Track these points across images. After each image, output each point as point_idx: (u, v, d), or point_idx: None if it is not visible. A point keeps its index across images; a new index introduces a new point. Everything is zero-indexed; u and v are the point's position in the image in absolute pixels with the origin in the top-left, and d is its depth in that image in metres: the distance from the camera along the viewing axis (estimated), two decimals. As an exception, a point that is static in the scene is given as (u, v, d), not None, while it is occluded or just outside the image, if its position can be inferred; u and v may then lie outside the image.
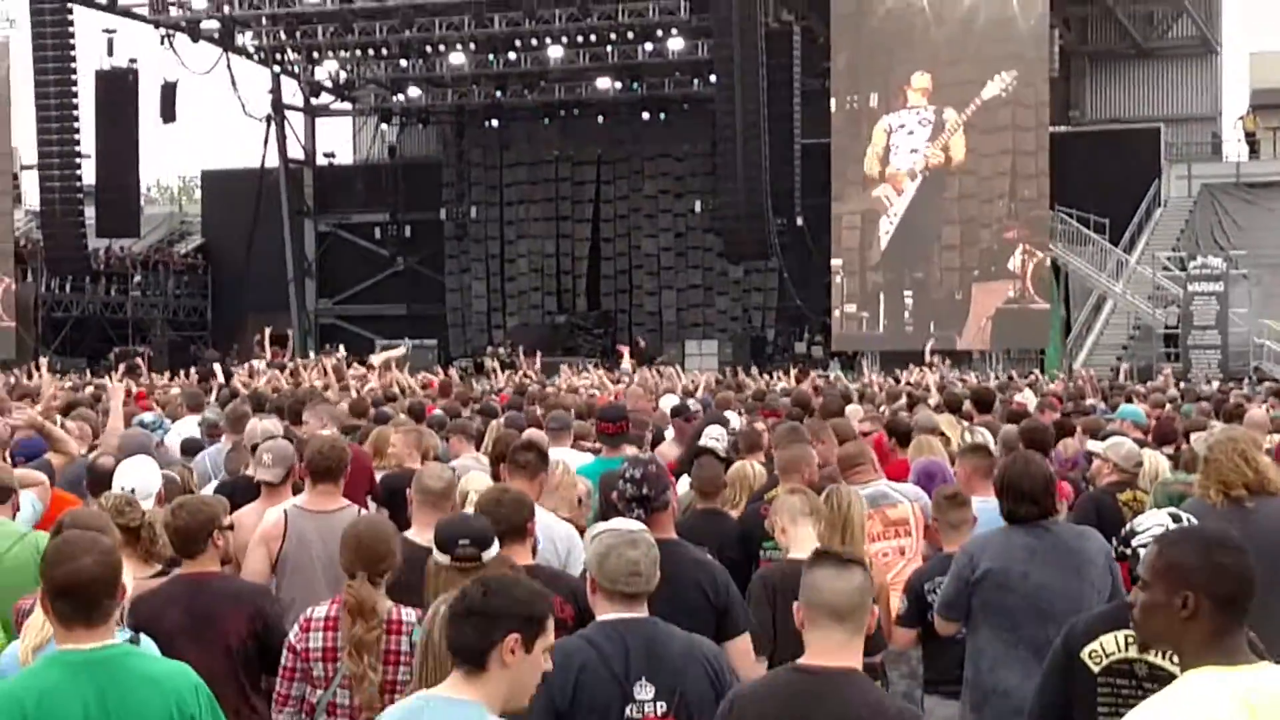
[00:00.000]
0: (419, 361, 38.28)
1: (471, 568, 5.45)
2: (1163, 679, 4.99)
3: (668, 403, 16.00)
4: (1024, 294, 37.90)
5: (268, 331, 33.25)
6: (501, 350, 44.37)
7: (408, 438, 9.93)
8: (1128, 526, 5.60)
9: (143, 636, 4.95)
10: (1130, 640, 5.11)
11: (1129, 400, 17.18)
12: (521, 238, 51.91)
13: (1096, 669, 5.18)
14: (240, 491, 8.72)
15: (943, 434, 11.15)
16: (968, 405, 14.27)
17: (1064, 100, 45.40)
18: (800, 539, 6.75)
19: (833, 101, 39.39)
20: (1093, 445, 10.31)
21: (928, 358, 26.94)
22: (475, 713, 4.07)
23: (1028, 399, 17.27)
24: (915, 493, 8.49)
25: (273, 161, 51.54)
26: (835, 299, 39.57)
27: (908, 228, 38.54)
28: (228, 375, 21.31)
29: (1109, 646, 5.17)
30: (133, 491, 7.24)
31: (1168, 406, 16.56)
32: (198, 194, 63.15)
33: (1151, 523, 5.25)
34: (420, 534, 6.62)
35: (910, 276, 38.65)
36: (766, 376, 30.08)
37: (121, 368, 24.28)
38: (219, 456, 10.82)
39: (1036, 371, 29.08)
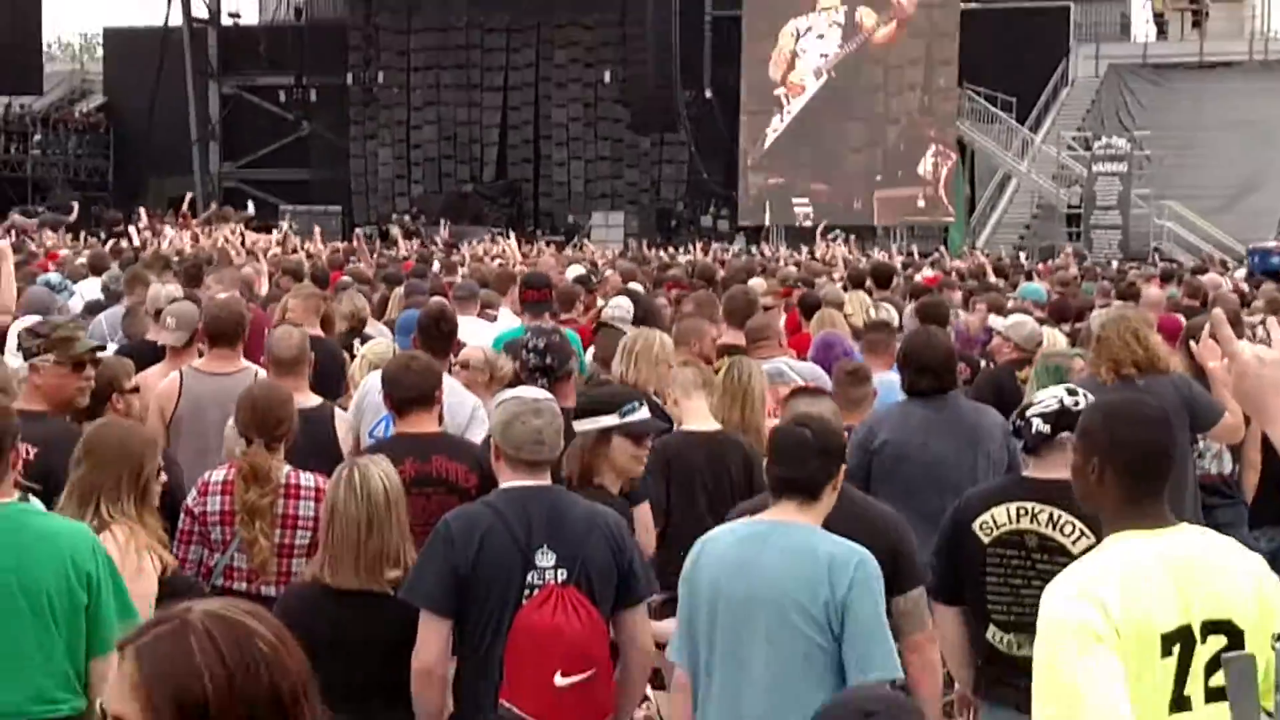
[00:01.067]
0: (326, 227, 37.97)
1: None
2: (1053, 550, 5.14)
3: (573, 273, 16.02)
4: (935, 203, 38.06)
5: (189, 197, 32.89)
6: (407, 218, 44.08)
7: (306, 303, 9.74)
8: (1025, 400, 5.74)
9: (33, 499, 4.93)
10: (1021, 512, 5.25)
11: (1029, 278, 17.40)
12: (429, 104, 51.31)
13: (987, 540, 5.29)
14: (140, 354, 8.66)
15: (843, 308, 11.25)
16: (868, 281, 14.40)
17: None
18: (693, 411, 6.78)
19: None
20: (994, 322, 10.47)
21: (820, 235, 27.11)
22: (815, 534, 4.62)
23: (929, 274, 17.46)
24: (812, 371, 8.54)
25: (176, 20, 50.55)
26: (741, 179, 39.59)
27: (807, 128, 38.49)
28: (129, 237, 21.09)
29: (1000, 518, 5.29)
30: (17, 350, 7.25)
31: (1069, 285, 16.80)
32: (100, 52, 61.82)
33: (1047, 396, 5.36)
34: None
35: (808, 186, 38.76)
36: (672, 249, 30.21)
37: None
38: (118, 319, 10.73)
39: (941, 248, 29.28)
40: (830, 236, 27.49)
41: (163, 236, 23.04)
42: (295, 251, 19.88)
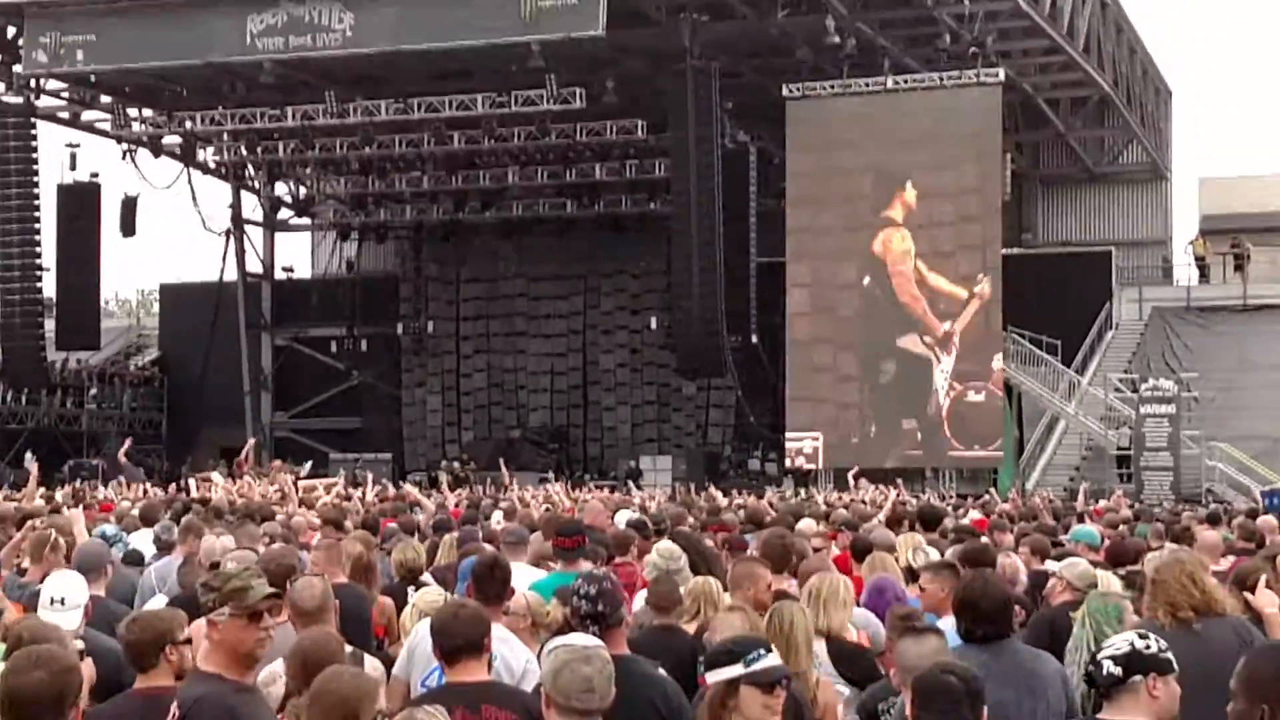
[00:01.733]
0: (376, 474, 38.16)
1: None
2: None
3: (624, 518, 16.01)
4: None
5: (253, 442, 33.30)
6: (456, 464, 44.30)
7: (329, 552, 9.66)
8: (1096, 644, 5.70)
9: None
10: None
11: (1081, 521, 17.28)
12: (478, 353, 51.96)
13: None
14: (193, 605, 8.69)
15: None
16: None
17: (1017, 224, 45.98)
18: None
19: (788, 219, 39.85)
20: (1049, 564, 10.40)
21: (852, 482, 27.06)
22: None
23: (976, 517, 17.38)
24: (864, 618, 8.48)
25: (231, 275, 51.63)
26: (788, 422, 39.71)
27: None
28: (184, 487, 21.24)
29: None
30: (62, 602, 7.27)
31: (1121, 528, 16.67)
32: (155, 307, 63.07)
33: (1118, 640, 5.32)
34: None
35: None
36: (720, 493, 30.18)
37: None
38: (166, 569, 10.77)
39: (991, 490, 29.18)
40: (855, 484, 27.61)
41: (212, 485, 23.21)
42: (347, 499, 19.98)
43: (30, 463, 19.04)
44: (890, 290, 39.09)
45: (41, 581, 8.38)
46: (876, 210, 39.22)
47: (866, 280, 39.34)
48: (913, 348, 38.90)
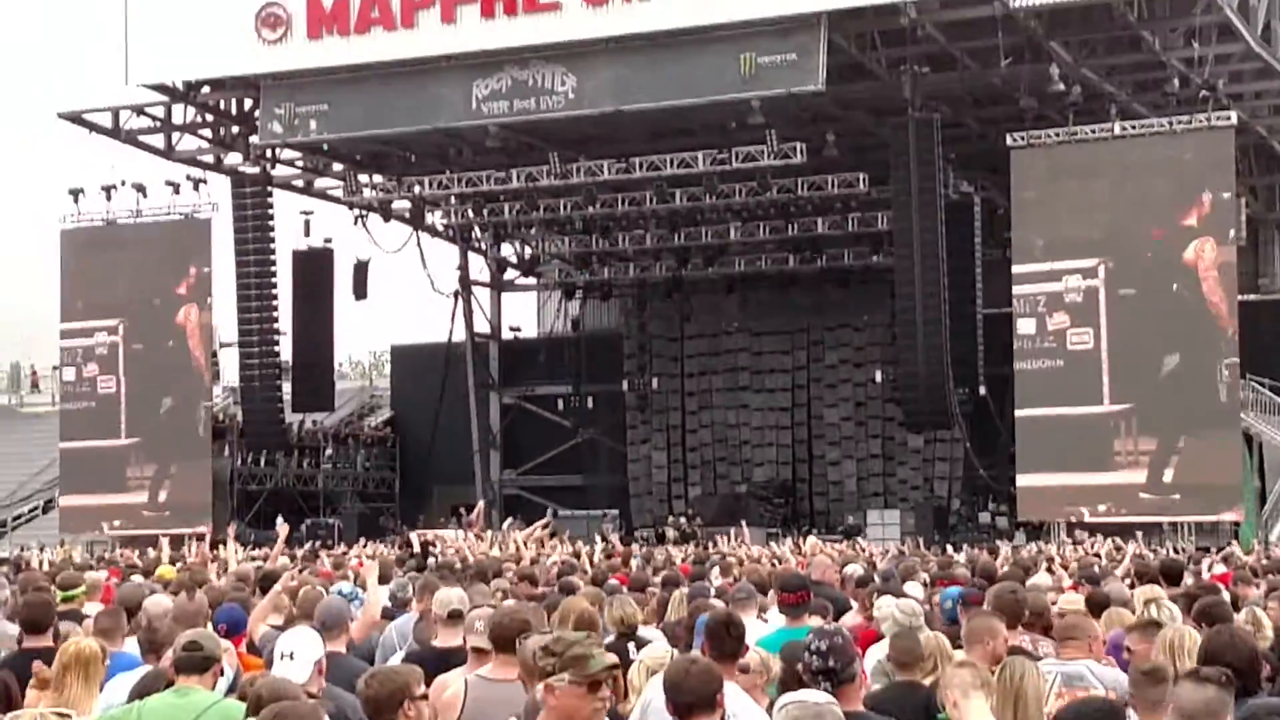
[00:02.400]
0: (600, 531, 38.52)
1: None
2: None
3: (852, 573, 15.92)
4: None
5: (481, 505, 33.92)
6: (683, 520, 44.45)
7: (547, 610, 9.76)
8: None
9: None
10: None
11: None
12: (703, 409, 52.10)
13: None
14: (429, 661, 8.87)
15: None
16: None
17: (1253, 269, 44.76)
18: (971, 712, 6.65)
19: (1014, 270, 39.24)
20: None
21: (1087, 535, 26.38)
22: None
23: (1220, 570, 16.91)
24: (1114, 678, 8.30)
25: (460, 336, 52.61)
26: (1019, 474, 38.97)
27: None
28: (423, 546, 21.66)
29: None
30: (291, 656, 7.45)
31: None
32: (388, 368, 64.55)
33: None
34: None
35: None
36: (951, 548, 29.84)
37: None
38: (405, 625, 10.98)
39: (1233, 542, 28.32)
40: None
41: (442, 541, 23.62)
42: (577, 556, 20.18)
43: (280, 526, 19.55)
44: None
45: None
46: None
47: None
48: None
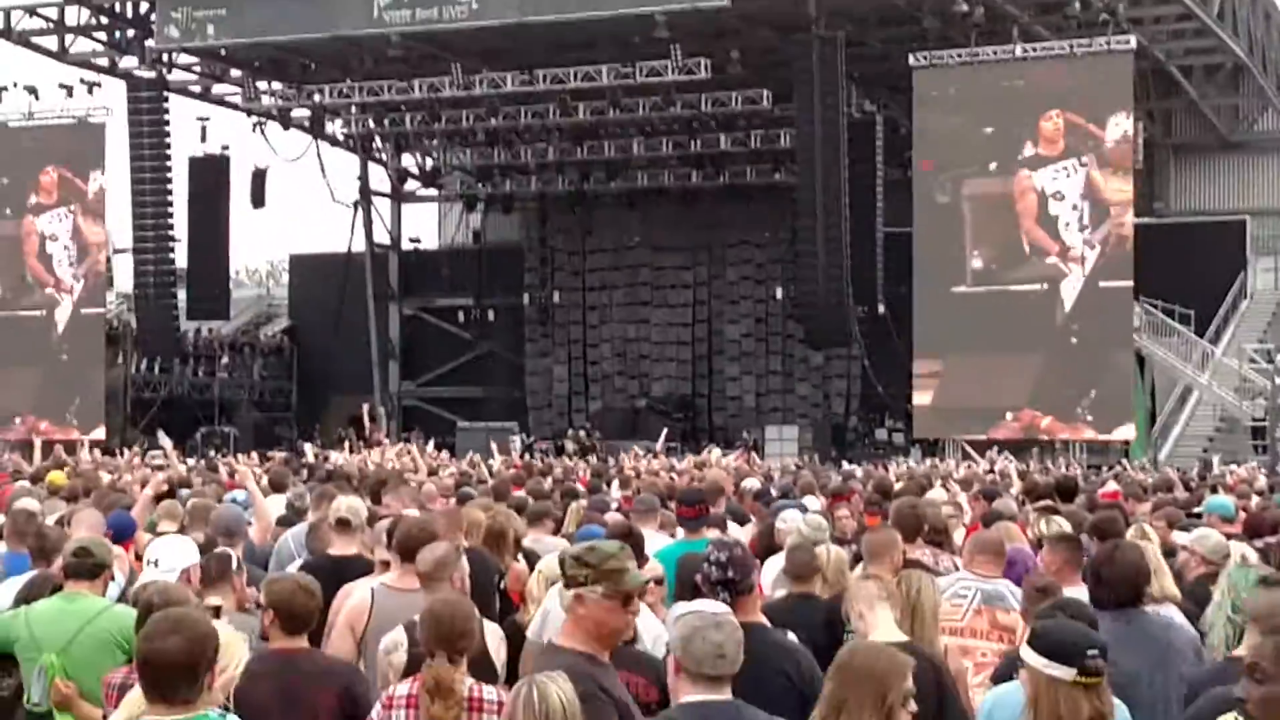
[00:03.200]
0: (501, 443, 38.46)
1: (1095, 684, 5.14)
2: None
3: (750, 487, 16.03)
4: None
5: (366, 409, 33.68)
6: (582, 433, 44.51)
7: (450, 519, 9.63)
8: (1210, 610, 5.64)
9: (230, 715, 4.99)
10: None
11: (1215, 492, 17.00)
12: (604, 323, 52.12)
13: None
14: (325, 569, 8.83)
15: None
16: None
17: (1149, 192, 45.24)
18: (878, 624, 6.72)
19: (914, 186, 39.39)
20: (1178, 537, 10.24)
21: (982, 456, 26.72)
22: None
23: (1111, 488, 17.15)
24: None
25: (359, 246, 52.18)
26: (916, 393, 39.29)
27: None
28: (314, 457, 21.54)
29: None
30: (155, 564, 7.45)
31: (1256, 499, 16.39)
32: (285, 278, 63.96)
33: None
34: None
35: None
36: (846, 464, 30.11)
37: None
38: (300, 534, 10.93)
39: (1124, 461, 28.79)
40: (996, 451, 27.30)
41: (325, 456, 23.50)
42: (474, 466, 20.16)
43: (163, 439, 19.42)
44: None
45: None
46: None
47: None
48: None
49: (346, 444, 30.71)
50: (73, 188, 44.78)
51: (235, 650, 5.64)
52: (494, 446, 25.12)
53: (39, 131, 45.00)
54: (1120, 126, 37.44)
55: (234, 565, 7.55)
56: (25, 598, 7.37)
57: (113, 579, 7.51)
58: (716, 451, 27.14)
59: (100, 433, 42.49)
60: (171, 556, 7.70)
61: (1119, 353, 37.27)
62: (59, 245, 45.08)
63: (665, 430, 35.78)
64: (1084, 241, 37.58)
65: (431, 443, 33.50)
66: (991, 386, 37.56)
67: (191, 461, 25.74)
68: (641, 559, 7.72)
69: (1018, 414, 37.46)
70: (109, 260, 47.48)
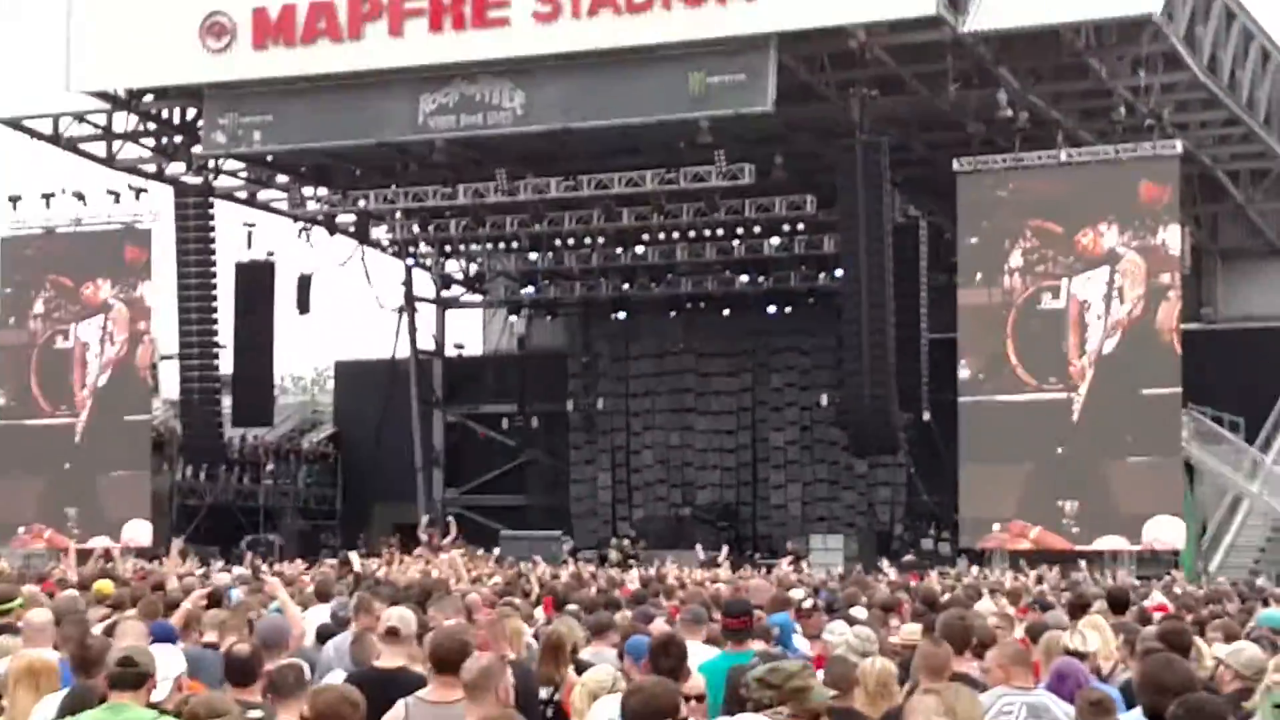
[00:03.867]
0: (544, 553, 38.27)
1: None
2: None
3: (797, 597, 15.79)
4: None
5: (425, 519, 33.56)
6: (625, 541, 44.29)
7: (493, 629, 9.66)
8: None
9: None
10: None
11: (1266, 605, 16.71)
12: (647, 429, 52.00)
13: None
14: (369, 682, 8.72)
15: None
16: (1101, 605, 13.94)
17: (1196, 298, 45.03)
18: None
19: (959, 292, 39.27)
20: (1217, 650, 10.03)
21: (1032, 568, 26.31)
22: None
23: (1159, 600, 16.88)
24: (1070, 711, 8.20)
25: (404, 352, 52.33)
26: (962, 502, 38.97)
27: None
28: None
29: None
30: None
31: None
32: (330, 384, 64.17)
33: None
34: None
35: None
36: (885, 562, 29.81)
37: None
38: (343, 644, 10.83)
39: (1174, 572, 28.42)
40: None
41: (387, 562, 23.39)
42: (521, 576, 20.01)
43: (176, 544, 19.46)
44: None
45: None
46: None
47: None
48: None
49: (387, 554, 30.54)
50: (119, 293, 45.12)
51: None
52: (536, 557, 24.98)
53: (87, 238, 45.40)
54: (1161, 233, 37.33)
55: (306, 677, 7.48)
56: (69, 708, 7.26)
57: (154, 689, 7.38)
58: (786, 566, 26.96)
59: (146, 540, 42.43)
60: (162, 666, 7.59)
61: (1165, 462, 36.85)
62: (92, 355, 45.33)
63: (699, 545, 35.55)
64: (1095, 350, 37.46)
65: (482, 549, 33.38)
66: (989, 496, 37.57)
67: (238, 570, 25.68)
68: (682, 671, 7.57)
69: (1006, 525, 37.21)
70: (154, 367, 47.67)
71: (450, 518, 33.55)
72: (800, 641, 11.68)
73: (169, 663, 7.73)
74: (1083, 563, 28.41)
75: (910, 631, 11.69)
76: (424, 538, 34.46)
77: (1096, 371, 37.34)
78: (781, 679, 5.59)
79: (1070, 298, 37.78)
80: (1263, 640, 10.71)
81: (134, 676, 7.17)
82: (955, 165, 38.59)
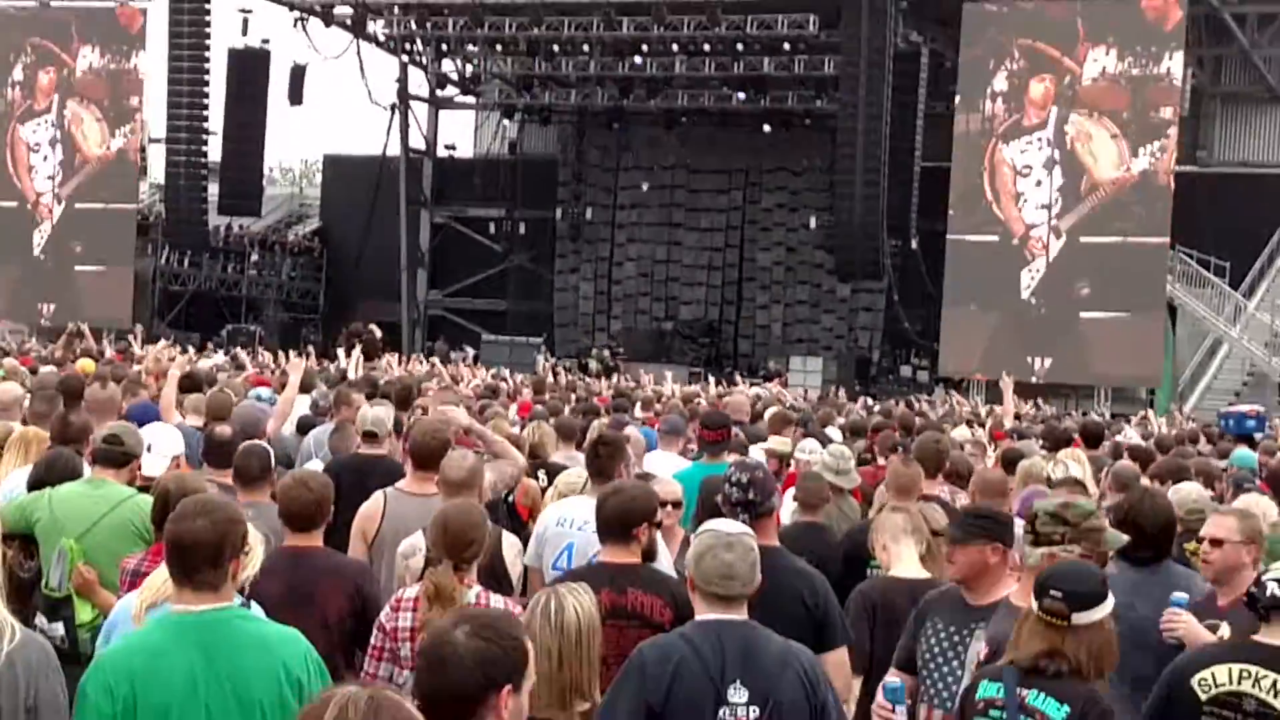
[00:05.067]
0: (524, 358, 38.49)
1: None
2: (1270, 717, 4.99)
3: (774, 414, 15.92)
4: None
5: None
6: (606, 351, 44.46)
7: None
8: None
9: (255, 605, 4.98)
10: (1244, 675, 5.11)
11: (1242, 444, 16.90)
12: (632, 241, 51.91)
13: (1204, 697, 5.22)
14: (348, 469, 8.87)
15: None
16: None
17: (1193, 140, 44.81)
18: (901, 557, 6.70)
19: (956, 120, 39.11)
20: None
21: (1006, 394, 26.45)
22: None
23: (1131, 437, 17.05)
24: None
25: (394, 150, 51.99)
26: (943, 330, 39.17)
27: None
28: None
29: (1220, 677, 5.20)
30: (149, 449, 7.44)
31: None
32: (319, 177, 63.81)
33: None
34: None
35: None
36: (870, 399, 29.99)
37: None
38: (322, 434, 10.96)
39: (1148, 411, 28.64)
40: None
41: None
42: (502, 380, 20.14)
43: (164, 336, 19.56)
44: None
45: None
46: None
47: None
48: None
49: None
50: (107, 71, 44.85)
51: (255, 548, 5.62)
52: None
53: (80, 11, 44.87)
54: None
55: (272, 463, 7.57)
56: (40, 477, 7.31)
57: (139, 470, 7.46)
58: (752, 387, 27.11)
59: (127, 322, 42.48)
60: (164, 443, 7.69)
61: (1148, 321, 37.06)
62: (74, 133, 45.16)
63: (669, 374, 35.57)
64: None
65: (470, 352, 33.30)
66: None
67: (218, 357, 25.78)
68: (615, 468, 7.57)
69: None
70: (143, 149, 47.37)
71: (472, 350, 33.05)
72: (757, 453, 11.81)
73: (170, 440, 7.80)
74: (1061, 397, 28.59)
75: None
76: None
77: (1078, 219, 37.38)
78: (1077, 516, 5.48)
79: (1057, 132, 37.69)
80: (1244, 482, 10.87)
81: (119, 455, 7.24)
82: (962, -7, 38.16)
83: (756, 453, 10.56)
